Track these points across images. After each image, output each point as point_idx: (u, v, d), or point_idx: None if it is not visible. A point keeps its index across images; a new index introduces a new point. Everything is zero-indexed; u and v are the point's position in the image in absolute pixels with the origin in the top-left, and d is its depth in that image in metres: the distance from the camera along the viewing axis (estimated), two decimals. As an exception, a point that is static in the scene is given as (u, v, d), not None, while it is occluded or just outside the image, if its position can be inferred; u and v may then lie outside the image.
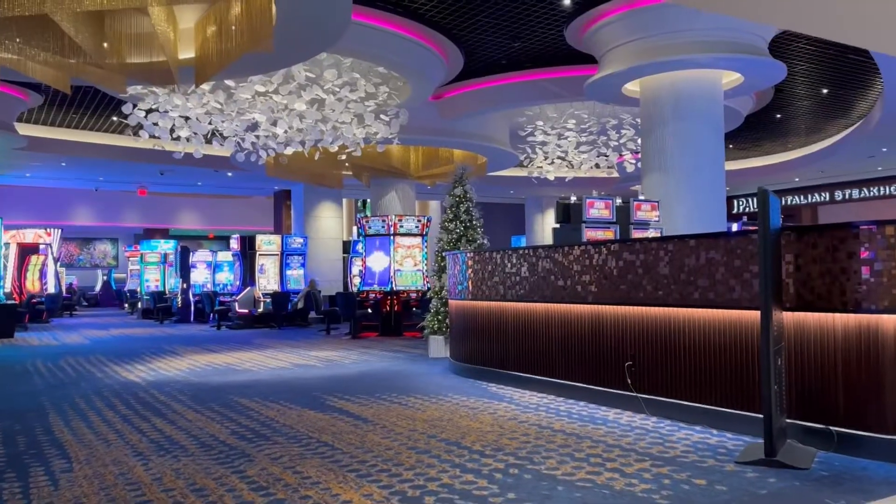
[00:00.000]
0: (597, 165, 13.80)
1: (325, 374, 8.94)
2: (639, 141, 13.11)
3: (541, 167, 13.73)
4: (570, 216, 8.32)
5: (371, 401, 6.94)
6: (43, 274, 22.61)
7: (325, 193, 19.99)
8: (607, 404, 6.31)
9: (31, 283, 21.98)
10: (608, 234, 8.18)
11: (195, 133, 10.89)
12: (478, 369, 8.08)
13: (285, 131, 10.73)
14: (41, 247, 22.61)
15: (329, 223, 20.26)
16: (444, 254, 10.89)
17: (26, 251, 21.77)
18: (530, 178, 15.50)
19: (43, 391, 8.07)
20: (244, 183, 20.44)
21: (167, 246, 24.64)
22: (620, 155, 13.30)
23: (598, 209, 8.09)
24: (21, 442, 5.55)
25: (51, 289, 23.36)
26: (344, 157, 11.70)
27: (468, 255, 8.29)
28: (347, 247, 20.32)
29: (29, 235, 22.18)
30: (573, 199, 8.54)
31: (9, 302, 17.20)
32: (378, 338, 14.31)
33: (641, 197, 9.35)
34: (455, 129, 13.28)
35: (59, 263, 27.22)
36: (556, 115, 12.61)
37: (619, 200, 8.37)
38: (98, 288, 33.72)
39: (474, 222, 11.10)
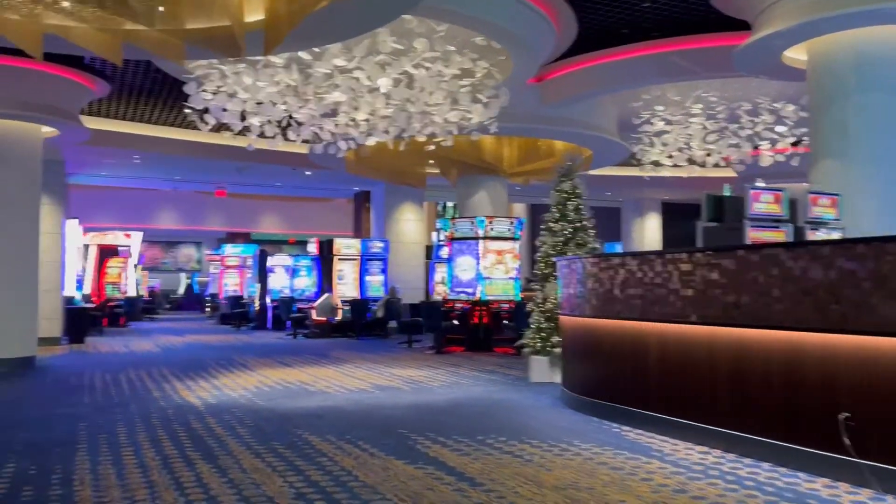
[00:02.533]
0: (721, 162, 11.79)
1: (412, 402, 7.45)
2: (778, 129, 11.12)
3: (657, 161, 11.88)
4: (723, 212, 6.56)
5: (474, 447, 5.39)
6: (124, 278, 22.24)
7: (407, 194, 18.65)
8: (806, 470, 4.53)
9: (111, 287, 21.59)
10: (777, 236, 6.38)
11: (269, 120, 9.66)
12: (604, 406, 6.40)
13: (368, 117, 9.35)
14: (121, 249, 22.24)
15: (411, 226, 18.91)
16: (551, 260, 9.25)
17: (106, 253, 21.37)
18: (638, 176, 13.66)
19: (86, 415, 6.89)
20: (323, 183, 19.38)
21: (237, 250, 24.01)
22: (755, 147, 11.26)
23: (764, 203, 6.31)
24: (27, 496, 4.27)
25: (131, 292, 23.00)
26: (433, 147, 10.20)
27: (590, 261, 6.64)
28: (430, 252, 18.93)
29: (109, 237, 21.80)
30: (727, 191, 6.77)
31: (82, 305, 16.62)
32: (465, 353, 12.77)
33: (814, 188, 7.45)
34: (558, 116, 11.61)
35: (141, 267, 27.12)
36: (678, 98, 10.76)
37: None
38: (181, 291, 33.71)
39: (585, 222, 9.42)
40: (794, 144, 11.08)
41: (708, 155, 11.31)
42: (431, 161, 15.35)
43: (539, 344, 9.12)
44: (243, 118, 9.53)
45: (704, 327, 5.39)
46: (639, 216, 22.92)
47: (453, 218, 14.17)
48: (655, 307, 5.81)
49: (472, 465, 4.87)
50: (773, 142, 10.89)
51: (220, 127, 9.90)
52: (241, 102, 8.86)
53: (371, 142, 10.36)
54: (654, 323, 5.86)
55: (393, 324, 16.62)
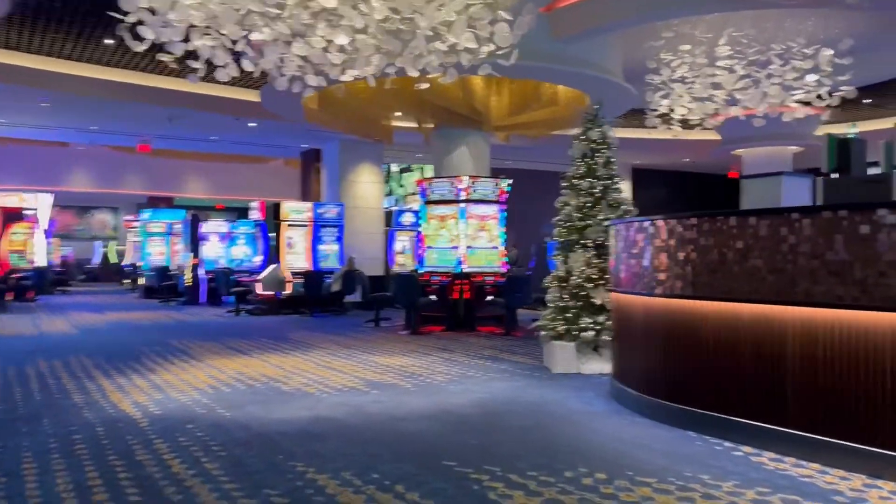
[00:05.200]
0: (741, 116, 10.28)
1: (429, 409, 5.68)
2: (809, 79, 9.70)
3: (666, 115, 10.30)
4: (849, 160, 5.05)
5: (570, 491, 3.70)
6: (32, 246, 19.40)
7: (365, 153, 16.61)
8: None
9: (16, 256, 18.76)
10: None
11: (216, 46, 7.51)
12: (702, 416, 4.82)
13: (351, 40, 7.36)
14: (27, 214, 19.36)
15: (368, 189, 16.90)
16: (578, 225, 7.59)
17: (9, 217, 18.53)
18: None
19: (-25, 440, 4.83)
20: (268, 138, 17.09)
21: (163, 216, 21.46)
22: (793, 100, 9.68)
23: (912, 148, 4.81)
24: None
25: (39, 262, 20.19)
26: (425, 86, 8.28)
27: (684, 222, 4.99)
28: (389, 218, 17.02)
29: (11, 199, 18.89)
30: (851, 131, 5.24)
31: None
32: (445, 333, 11.08)
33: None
34: (568, 54, 9.88)
35: (51, 234, 24.11)
36: (710, 35, 9.19)
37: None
38: (97, 261, 30.65)
39: (616, 179, 7.79)
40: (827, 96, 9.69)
41: (743, 101, 9.75)
42: (398, 113, 13.40)
43: (561, 327, 7.49)
44: (187, 39, 7.35)
45: (889, 314, 3.84)
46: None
47: (425, 179, 12.31)
48: (801, 286, 4.21)
49: (596, 532, 3.18)
50: (815, 93, 9.42)
51: (155, 48, 7.68)
52: (188, 13, 6.70)
53: (349, 76, 8.34)
54: (795, 307, 4.28)
55: (352, 298, 14.74)
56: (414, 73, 8.16)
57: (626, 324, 5.84)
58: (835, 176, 5.13)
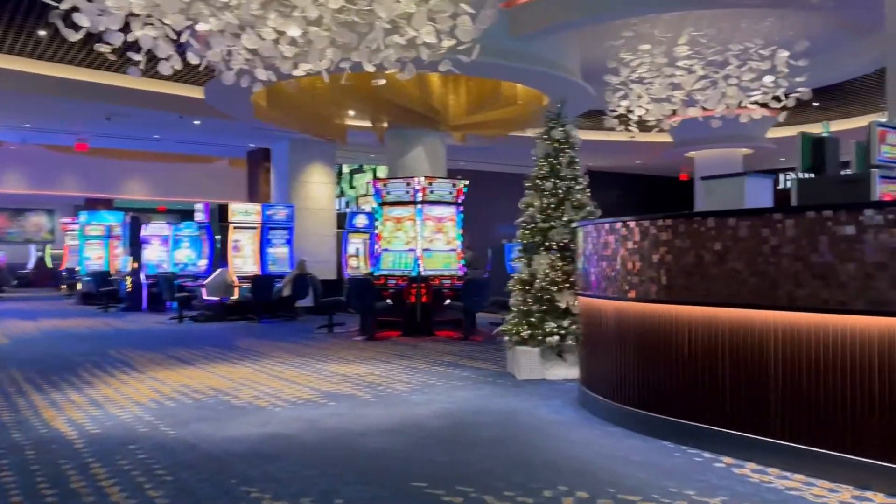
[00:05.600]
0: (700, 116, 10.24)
1: (391, 422, 5.36)
2: (766, 80, 9.71)
3: (623, 116, 10.19)
4: (823, 160, 4.92)
5: (552, 513, 3.43)
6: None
7: (317, 153, 16.10)
8: None
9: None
10: (901, 192, 4.82)
11: (164, 34, 7.06)
12: (679, 426, 4.62)
13: (303, 31, 6.99)
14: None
15: (320, 190, 16.40)
16: (541, 227, 7.37)
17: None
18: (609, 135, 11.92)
19: None
20: (214, 137, 16.43)
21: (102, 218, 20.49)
22: (761, 104, 9.66)
23: (889, 145, 4.68)
24: None
25: (-33, 267, 19.05)
26: (382, 82, 7.94)
27: (659, 223, 4.80)
28: (342, 220, 16.57)
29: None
30: (824, 130, 5.11)
31: None
32: (402, 339, 10.75)
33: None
34: (527, 52, 9.64)
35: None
36: (669, 35, 9.10)
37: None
38: (31, 266, 29.23)
39: (580, 179, 7.60)
40: (780, 100, 9.71)
41: (704, 101, 9.71)
42: (352, 112, 13.01)
43: (524, 332, 7.25)
44: (126, 29, 6.87)
45: (877, 319, 3.69)
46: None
47: (382, 178, 11.96)
48: (783, 289, 4.05)
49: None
50: (772, 94, 9.43)
51: (92, 40, 7.17)
52: (128, 0, 6.22)
53: (301, 71, 7.95)
54: (778, 311, 4.11)
55: (303, 303, 14.28)
56: (370, 69, 7.82)
57: (596, 329, 5.63)
58: (809, 176, 5.01)
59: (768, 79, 9.76)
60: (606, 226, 5.34)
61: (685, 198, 19.27)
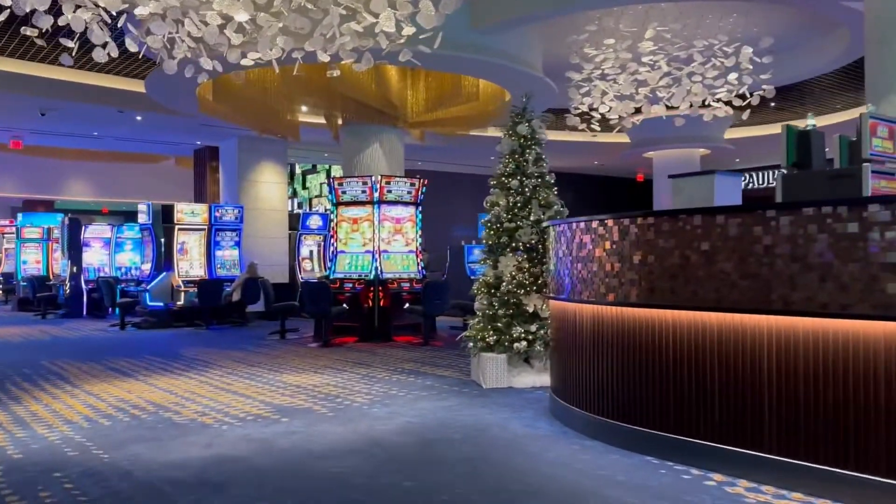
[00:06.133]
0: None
1: (354, 442, 4.91)
2: (731, 76, 9.55)
3: (586, 114, 9.91)
4: (809, 154, 4.66)
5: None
6: None
7: (267, 151, 15.46)
8: None
9: None
10: (891, 186, 4.59)
11: (100, 18, 6.47)
12: (665, 439, 4.29)
13: (252, 19, 6.49)
14: None
15: (271, 190, 15.75)
16: (507, 226, 7.01)
17: None
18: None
19: None
20: (158, 134, 15.63)
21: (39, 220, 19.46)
22: (721, 100, 9.45)
23: (880, 138, 4.45)
24: None
25: None
26: (336, 73, 7.48)
27: (640, 221, 4.47)
28: (295, 222, 15.97)
29: None
30: (808, 122, 4.85)
31: None
32: (360, 345, 10.28)
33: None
34: (488, 45, 9.26)
35: None
36: (634, 29, 8.85)
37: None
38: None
39: (547, 177, 7.27)
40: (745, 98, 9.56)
41: (669, 98, 9.51)
42: (305, 107, 12.46)
43: (491, 337, 6.88)
44: (57, 10, 6.26)
45: (883, 324, 3.41)
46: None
47: (338, 177, 11.46)
48: (778, 292, 3.75)
49: None
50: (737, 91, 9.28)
51: (20, 24, 6.53)
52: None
53: (248, 62, 7.44)
54: (772, 316, 3.81)
55: (254, 308, 13.67)
56: (324, 59, 7.36)
57: (570, 335, 5.28)
58: (793, 171, 4.76)
59: (732, 76, 9.60)
60: (582, 224, 4.99)
61: (642, 199, 19.24)
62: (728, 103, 9.85)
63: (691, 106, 9.73)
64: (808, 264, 3.66)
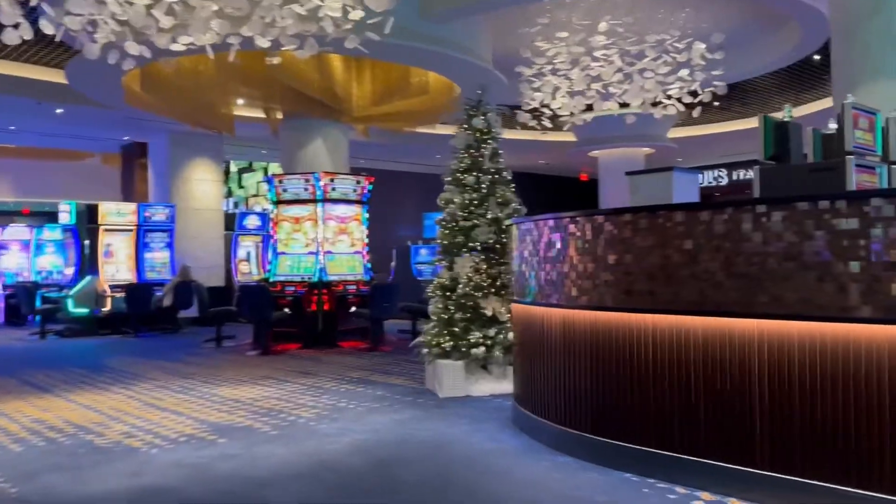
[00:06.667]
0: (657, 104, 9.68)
1: (301, 465, 4.41)
2: (682, 73, 9.38)
3: (555, 101, 9.55)
4: (787, 146, 4.41)
5: None
6: None
7: (201, 147, 14.63)
8: None
9: None
10: (871, 180, 4.34)
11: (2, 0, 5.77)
12: (645, 454, 3.96)
13: (182, 0, 5.91)
14: None
15: (205, 188, 14.93)
16: (462, 225, 6.61)
17: None
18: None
19: None
20: (81, 128, 14.60)
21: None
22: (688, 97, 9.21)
23: (861, 130, 4.19)
24: None
25: None
26: (277, 61, 6.94)
27: (598, 219, 4.14)
28: (231, 222, 15.19)
29: None
30: (785, 114, 4.60)
31: None
32: (303, 352, 9.72)
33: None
34: (439, 36, 8.81)
35: None
36: (587, 22, 8.57)
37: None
38: None
39: (504, 173, 6.91)
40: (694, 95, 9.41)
41: (622, 95, 9.27)
42: (241, 101, 11.78)
43: (447, 343, 6.46)
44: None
45: (886, 328, 3.15)
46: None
47: (278, 174, 10.86)
48: (771, 293, 3.45)
49: None
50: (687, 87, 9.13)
51: None
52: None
53: (179, 47, 6.81)
54: (764, 320, 3.51)
55: (187, 313, 12.90)
56: (264, 45, 6.80)
57: (536, 341, 4.90)
58: (767, 163, 4.50)
59: (684, 72, 9.43)
60: (550, 222, 4.62)
61: (587, 198, 19.17)
62: (679, 100, 9.68)
63: (643, 102, 9.52)
64: (803, 263, 3.38)
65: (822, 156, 4.29)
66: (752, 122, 15.02)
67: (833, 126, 4.52)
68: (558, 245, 4.53)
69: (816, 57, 11.96)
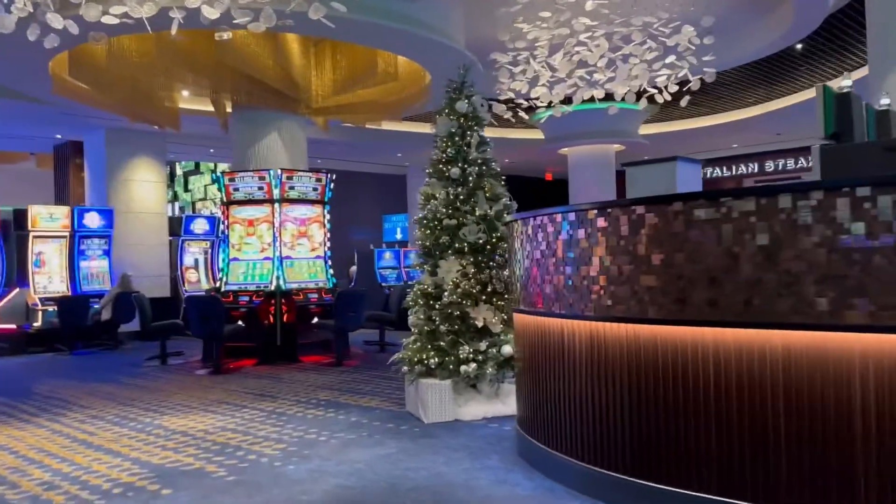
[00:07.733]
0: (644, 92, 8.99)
1: (268, 523, 3.47)
2: (669, 59, 8.71)
3: (535, 90, 8.79)
4: (851, 123, 3.69)
5: None
6: None
7: (142, 145, 13.38)
8: None
9: None
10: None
11: None
12: (704, 502, 3.15)
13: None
14: None
15: (147, 190, 13.68)
16: (448, 224, 5.74)
17: None
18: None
19: None
20: (4, 125, 13.22)
21: None
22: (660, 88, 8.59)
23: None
24: None
25: None
26: (227, 36, 5.95)
27: (639, 210, 3.35)
28: (177, 226, 13.99)
29: None
30: (846, 82, 3.87)
31: None
32: (260, 369, 8.72)
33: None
34: (409, 15, 7.88)
35: None
36: (570, 0, 7.82)
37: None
38: None
39: (493, 164, 6.08)
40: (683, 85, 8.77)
41: (606, 82, 8.55)
42: (186, 92, 10.68)
43: (431, 359, 5.59)
44: None
45: None
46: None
47: (229, 172, 9.83)
48: (874, 299, 2.69)
49: None
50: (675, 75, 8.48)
51: None
52: None
53: (111, 21, 5.79)
54: (865, 334, 2.75)
55: (128, 327, 11.73)
56: (212, 16, 5.78)
57: (554, 359, 4.07)
58: (828, 143, 3.78)
59: (672, 58, 8.76)
60: (572, 216, 3.80)
61: (556, 198, 18.51)
62: (665, 88, 9.02)
63: (628, 91, 8.81)
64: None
65: (877, 134, 3.57)
66: (724, 118, 14.56)
67: (886, 101, 3.82)
68: (584, 244, 3.71)
69: (799, 46, 11.50)
